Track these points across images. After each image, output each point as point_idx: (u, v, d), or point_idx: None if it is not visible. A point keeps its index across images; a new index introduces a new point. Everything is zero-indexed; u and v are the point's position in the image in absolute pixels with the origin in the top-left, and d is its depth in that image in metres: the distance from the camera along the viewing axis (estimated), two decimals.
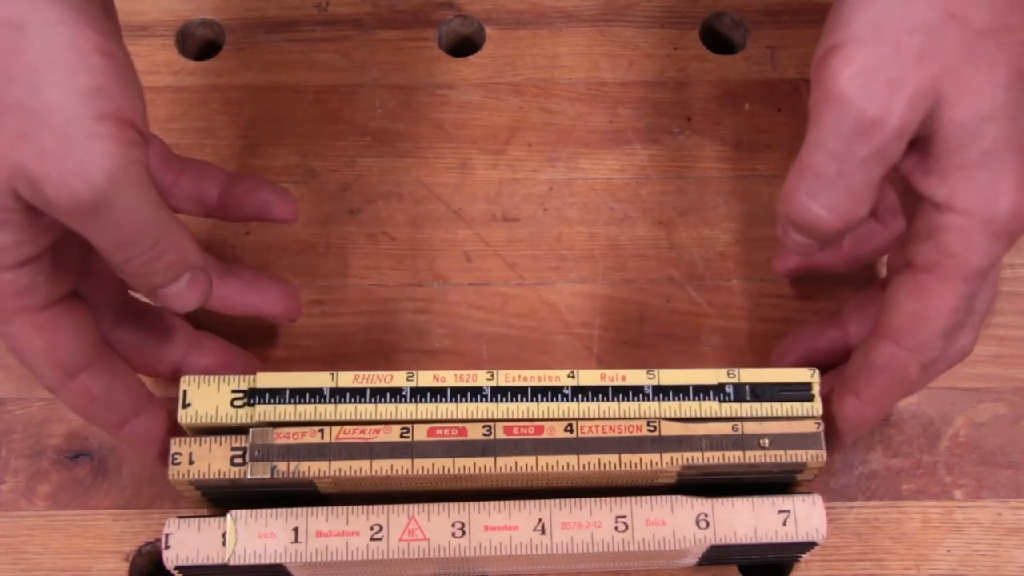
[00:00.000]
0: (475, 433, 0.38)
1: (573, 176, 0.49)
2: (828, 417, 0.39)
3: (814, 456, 0.38)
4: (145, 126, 0.33)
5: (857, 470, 0.44)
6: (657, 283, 0.47)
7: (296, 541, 0.37)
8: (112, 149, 0.31)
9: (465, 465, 0.38)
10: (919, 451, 0.44)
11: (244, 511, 0.37)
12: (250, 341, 0.45)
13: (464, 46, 0.53)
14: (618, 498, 0.38)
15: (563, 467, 0.38)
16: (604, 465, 0.38)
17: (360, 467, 0.38)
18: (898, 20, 0.33)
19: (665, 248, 0.48)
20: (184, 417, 0.38)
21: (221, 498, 0.41)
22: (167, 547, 0.37)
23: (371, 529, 0.37)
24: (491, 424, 0.38)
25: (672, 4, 0.53)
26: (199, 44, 0.53)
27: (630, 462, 0.38)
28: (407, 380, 0.39)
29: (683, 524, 0.37)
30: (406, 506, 0.38)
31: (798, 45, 0.52)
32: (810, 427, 0.38)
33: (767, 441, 0.38)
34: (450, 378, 0.39)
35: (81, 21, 0.32)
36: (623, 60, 0.52)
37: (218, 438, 0.38)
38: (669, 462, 0.38)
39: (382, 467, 0.38)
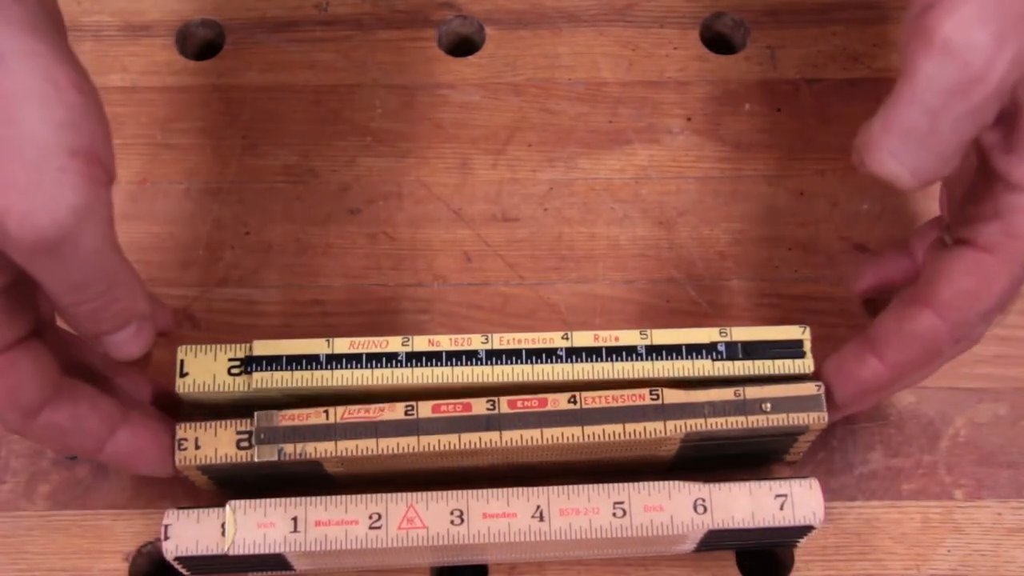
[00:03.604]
0: (479, 408, 0.38)
1: (573, 176, 0.49)
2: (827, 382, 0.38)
3: (815, 418, 0.38)
4: (113, 166, 0.32)
5: (857, 470, 0.44)
6: (657, 283, 0.47)
7: (295, 530, 0.37)
8: (81, 185, 0.30)
9: (471, 440, 0.38)
10: (919, 451, 0.44)
11: (243, 501, 0.38)
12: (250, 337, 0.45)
13: (464, 46, 0.53)
14: (616, 484, 0.38)
15: (568, 438, 0.38)
16: (608, 435, 0.38)
17: (366, 445, 0.38)
18: None
19: (665, 248, 0.48)
20: (182, 386, 0.38)
21: (230, 482, 0.41)
22: (166, 538, 0.37)
23: (370, 518, 0.37)
24: (495, 399, 0.38)
25: (672, 4, 0.53)
26: (199, 44, 0.53)
27: (634, 431, 0.38)
28: (403, 345, 0.39)
29: (681, 509, 0.38)
30: (405, 494, 0.38)
31: (798, 45, 0.52)
32: (811, 390, 0.38)
33: (769, 405, 0.38)
34: (445, 342, 0.39)
35: (57, 55, 0.31)
36: (623, 60, 0.51)
37: (223, 422, 0.38)
38: (673, 429, 0.38)
39: (388, 445, 0.38)
